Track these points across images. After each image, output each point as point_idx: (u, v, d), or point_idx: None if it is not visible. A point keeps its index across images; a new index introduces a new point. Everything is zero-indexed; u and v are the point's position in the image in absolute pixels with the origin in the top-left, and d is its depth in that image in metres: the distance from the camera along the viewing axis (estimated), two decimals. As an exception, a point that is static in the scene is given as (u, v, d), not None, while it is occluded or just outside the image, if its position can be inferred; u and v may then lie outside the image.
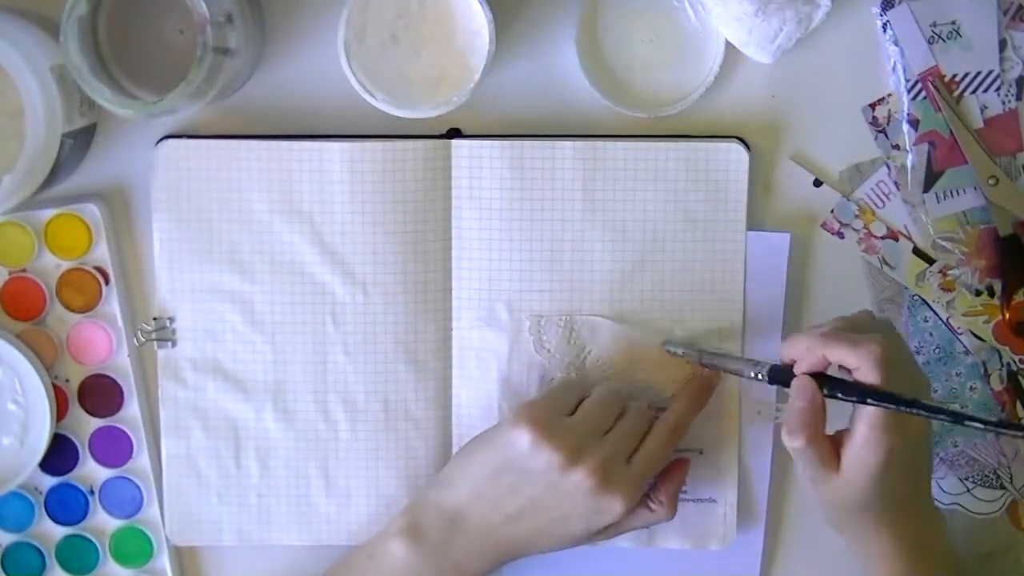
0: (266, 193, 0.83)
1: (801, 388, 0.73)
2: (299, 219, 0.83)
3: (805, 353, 0.74)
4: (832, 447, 0.74)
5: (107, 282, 0.84)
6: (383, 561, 0.80)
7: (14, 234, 0.84)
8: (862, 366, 0.71)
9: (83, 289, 0.84)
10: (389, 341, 0.84)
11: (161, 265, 0.83)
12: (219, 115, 0.83)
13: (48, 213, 0.83)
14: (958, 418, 0.69)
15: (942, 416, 0.69)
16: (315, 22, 0.82)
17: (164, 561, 0.88)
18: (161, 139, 0.83)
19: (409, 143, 0.82)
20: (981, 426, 0.68)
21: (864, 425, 0.72)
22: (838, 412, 0.74)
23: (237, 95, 0.83)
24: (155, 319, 0.84)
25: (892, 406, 0.70)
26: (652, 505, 0.81)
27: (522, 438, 0.77)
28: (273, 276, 0.84)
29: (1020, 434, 0.67)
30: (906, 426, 0.72)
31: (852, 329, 0.74)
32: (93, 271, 0.84)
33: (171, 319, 0.84)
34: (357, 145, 0.82)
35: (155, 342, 0.84)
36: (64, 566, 0.88)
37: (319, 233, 0.83)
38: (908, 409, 0.70)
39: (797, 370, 0.74)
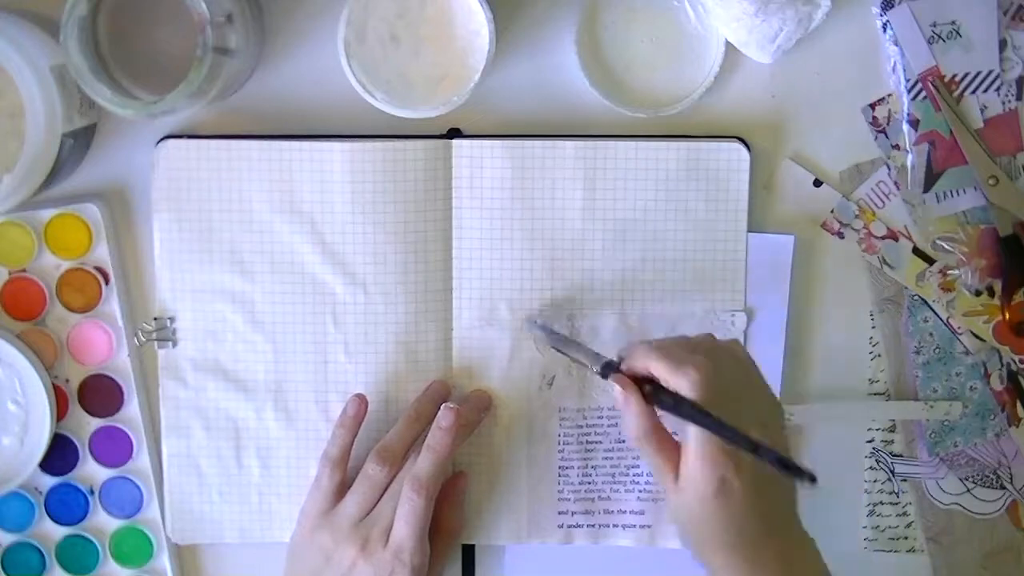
0: (266, 193, 0.83)
1: (617, 393, 0.72)
2: (299, 219, 0.83)
3: (635, 360, 0.72)
4: (673, 454, 0.71)
5: (107, 282, 0.84)
6: None
7: (14, 234, 0.84)
8: (680, 388, 0.69)
9: (83, 289, 0.84)
10: (390, 341, 0.84)
11: (161, 265, 0.83)
12: (219, 115, 0.83)
13: (48, 213, 0.83)
14: (761, 453, 0.66)
15: (745, 446, 0.66)
16: (315, 22, 0.82)
17: (164, 561, 0.88)
18: (161, 139, 0.83)
19: (409, 143, 0.82)
20: (777, 464, 0.65)
21: (691, 449, 0.69)
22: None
23: (237, 95, 0.83)
24: (155, 319, 0.84)
25: (708, 428, 0.67)
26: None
27: (294, 540, 0.83)
28: (273, 276, 0.84)
29: (804, 480, 0.65)
30: (740, 456, 0.68)
31: (689, 350, 0.71)
32: (93, 271, 0.84)
33: (171, 319, 0.84)
34: (357, 145, 0.82)
35: (155, 342, 0.84)
36: (64, 566, 0.88)
37: (319, 233, 0.83)
38: (720, 433, 0.67)
39: (622, 371, 0.73)
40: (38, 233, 0.84)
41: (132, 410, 0.86)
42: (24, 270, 0.84)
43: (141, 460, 0.87)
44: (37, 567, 0.88)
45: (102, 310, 0.85)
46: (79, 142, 0.80)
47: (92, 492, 0.87)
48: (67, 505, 0.87)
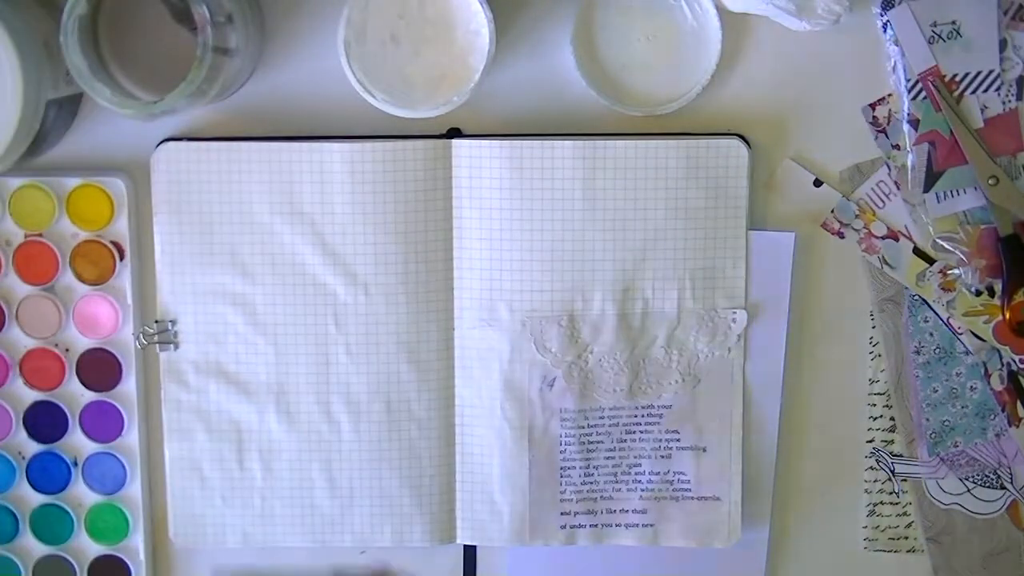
0: (267, 194, 0.83)
1: None
2: (300, 220, 0.83)
3: None
4: None
5: (122, 258, 0.84)
6: None
7: (35, 197, 0.83)
8: None
9: (97, 262, 0.84)
10: (391, 342, 0.84)
11: (162, 268, 0.84)
12: (219, 116, 0.83)
13: (73, 181, 0.83)
14: None
15: None
16: (315, 22, 0.82)
17: (139, 541, 0.88)
18: (161, 142, 0.83)
19: (409, 143, 0.82)
20: None
21: None
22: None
23: (237, 95, 0.83)
24: (157, 322, 0.84)
25: None
26: None
27: None
28: (275, 278, 0.84)
29: None
30: None
31: None
32: (109, 245, 0.84)
33: (173, 322, 0.84)
34: (357, 145, 0.82)
35: (157, 345, 0.84)
36: (36, 534, 0.88)
37: (320, 234, 0.83)
38: None
39: None
40: (60, 199, 0.83)
41: (128, 387, 0.86)
42: (40, 234, 0.84)
43: (130, 438, 0.86)
44: (10, 531, 0.88)
45: (113, 284, 0.85)
46: (64, 110, 0.79)
47: (75, 464, 0.87)
48: (48, 473, 0.87)
